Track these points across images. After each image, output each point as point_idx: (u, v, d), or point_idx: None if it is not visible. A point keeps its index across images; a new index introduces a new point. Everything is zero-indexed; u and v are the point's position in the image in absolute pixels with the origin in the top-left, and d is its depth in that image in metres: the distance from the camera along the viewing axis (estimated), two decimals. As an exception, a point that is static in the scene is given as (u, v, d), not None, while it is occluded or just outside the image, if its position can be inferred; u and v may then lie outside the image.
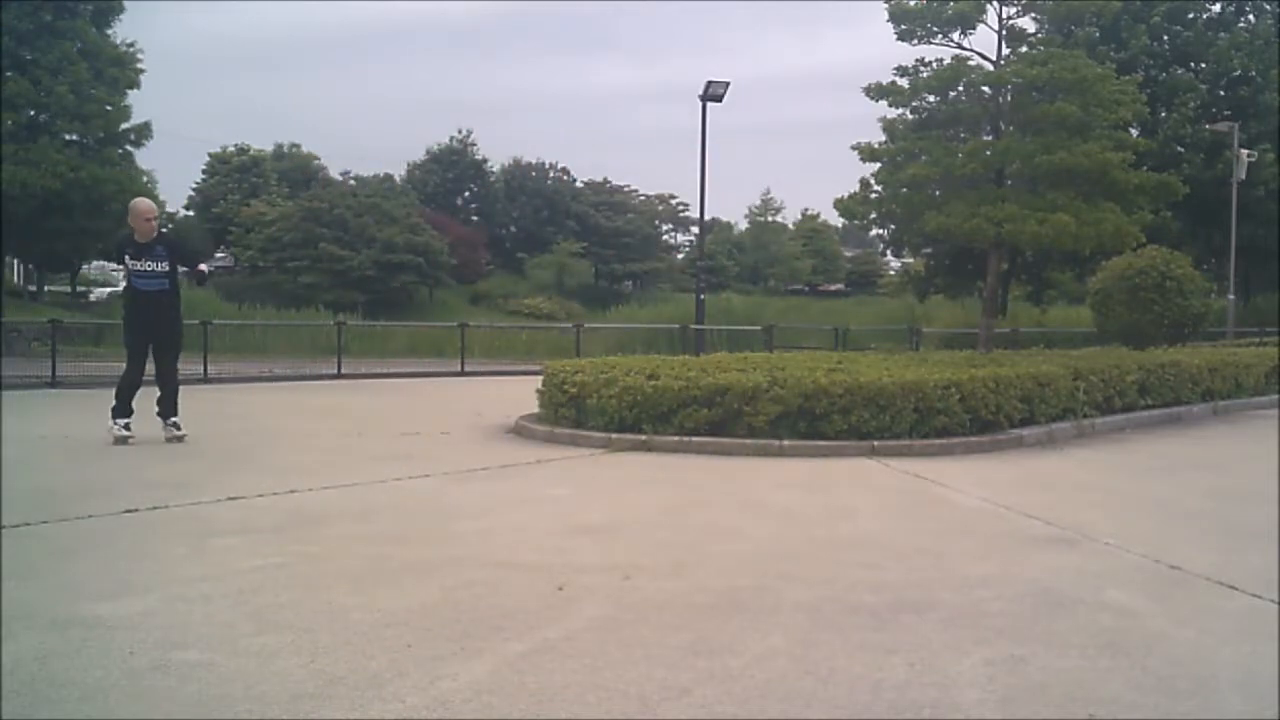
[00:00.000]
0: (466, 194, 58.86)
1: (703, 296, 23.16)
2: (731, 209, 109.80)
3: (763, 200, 66.21)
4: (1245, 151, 24.93)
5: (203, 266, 9.29)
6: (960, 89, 16.80)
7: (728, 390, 7.94)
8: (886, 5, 16.04)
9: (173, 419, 8.24)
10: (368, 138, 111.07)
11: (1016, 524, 5.41)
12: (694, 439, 7.86)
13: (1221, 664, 3.26)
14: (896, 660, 3.23)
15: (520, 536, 4.96)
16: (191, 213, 50.00)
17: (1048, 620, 3.67)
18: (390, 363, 17.98)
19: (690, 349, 18.84)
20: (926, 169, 15.48)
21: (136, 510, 5.35)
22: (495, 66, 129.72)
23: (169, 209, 45.70)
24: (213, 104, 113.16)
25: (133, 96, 31.17)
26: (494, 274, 51.64)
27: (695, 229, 48.91)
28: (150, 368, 8.44)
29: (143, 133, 31.68)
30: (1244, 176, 24.85)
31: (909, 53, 28.82)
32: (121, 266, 8.57)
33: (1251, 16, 31.49)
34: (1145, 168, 19.39)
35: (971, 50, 16.16)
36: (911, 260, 41.14)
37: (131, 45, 31.15)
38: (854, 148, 16.66)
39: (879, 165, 16.81)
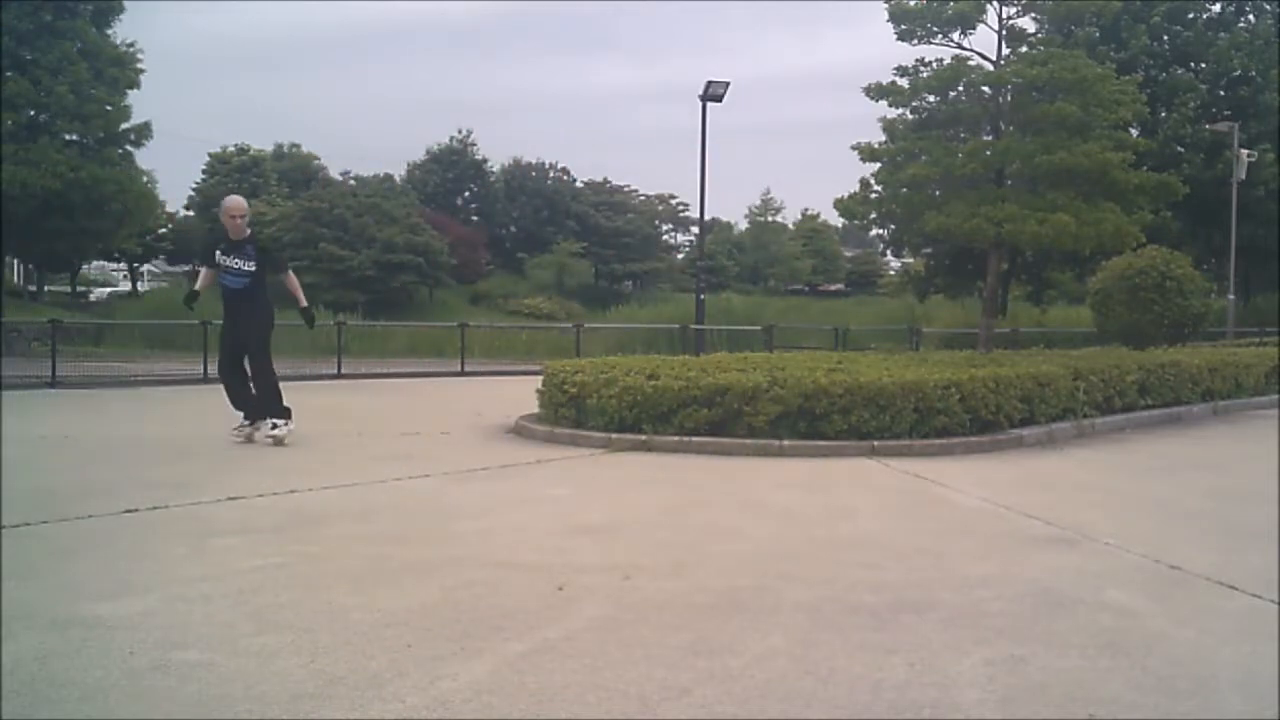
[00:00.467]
0: (466, 194, 58.88)
1: (703, 296, 23.15)
2: (731, 209, 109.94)
3: (763, 200, 66.28)
4: (1245, 151, 24.93)
5: (300, 299, 8.77)
6: (960, 89, 16.79)
7: (728, 390, 7.94)
8: (886, 5, 16.04)
9: (271, 420, 8.11)
10: (368, 138, 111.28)
11: (1016, 524, 5.41)
12: (694, 439, 7.86)
13: (1221, 664, 3.26)
14: (896, 660, 3.23)
15: (520, 536, 4.95)
16: (191, 213, 49.97)
17: (1048, 620, 3.67)
18: (390, 363, 17.97)
19: (690, 349, 18.83)
20: (926, 169, 15.47)
21: (136, 510, 5.35)
22: (495, 66, 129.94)
23: (169, 209, 45.69)
24: (213, 104, 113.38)
25: (133, 96, 31.21)
26: (494, 274, 51.65)
27: (695, 229, 48.93)
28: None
29: (143, 133, 31.69)
30: (1244, 176, 24.84)
31: (909, 53, 28.86)
32: (205, 268, 8.53)
33: (1251, 16, 31.49)
34: (1145, 168, 19.38)
35: (971, 50, 16.16)
36: (911, 260, 41.16)
37: (131, 45, 31.17)
38: (854, 148, 16.66)
39: (879, 165, 16.80)
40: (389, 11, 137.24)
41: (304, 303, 8.86)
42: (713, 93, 21.34)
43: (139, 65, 31.16)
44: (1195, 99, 28.70)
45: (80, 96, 28.78)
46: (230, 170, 49.57)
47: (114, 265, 53.23)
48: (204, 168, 50.81)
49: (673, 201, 64.35)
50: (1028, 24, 20.06)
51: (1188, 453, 8.44)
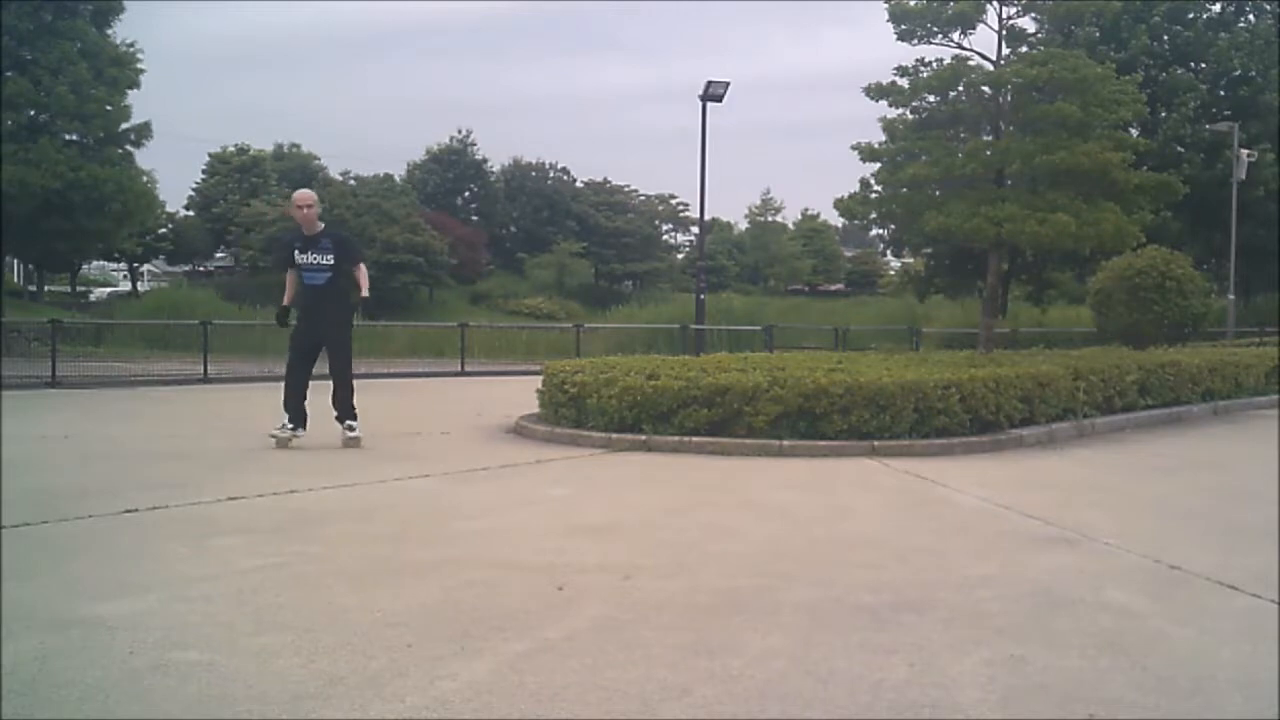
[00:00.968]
0: (466, 194, 58.92)
1: (703, 296, 23.13)
2: (731, 209, 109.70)
3: (763, 200, 66.28)
4: (1245, 151, 24.93)
5: (364, 288, 8.25)
6: (960, 89, 16.76)
7: (728, 390, 7.94)
8: (886, 5, 16.01)
9: (348, 421, 7.96)
10: (368, 138, 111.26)
11: (1016, 524, 5.40)
12: (694, 439, 7.86)
13: (1221, 664, 3.26)
14: (896, 660, 3.23)
15: (520, 536, 4.95)
16: (191, 213, 49.98)
17: (1048, 620, 3.67)
18: (390, 363, 17.96)
19: (690, 349, 18.83)
20: (926, 169, 15.45)
21: (136, 510, 5.35)
22: (496, 67, 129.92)
23: (169, 209, 45.70)
24: (213, 104, 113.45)
25: (133, 96, 31.26)
26: (494, 274, 51.71)
27: (695, 229, 48.92)
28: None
29: (143, 133, 31.72)
30: (1244, 176, 24.84)
31: (909, 53, 28.77)
32: (289, 272, 8.12)
33: (1251, 16, 31.50)
34: (1145, 168, 19.36)
35: (971, 50, 16.13)
36: (911, 260, 41.13)
37: (131, 45, 31.20)
38: (854, 148, 16.63)
39: (879, 165, 16.77)
40: (389, 12, 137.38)
41: (367, 294, 8.38)
42: (713, 93, 21.33)
43: (139, 65, 31.19)
44: (1195, 99, 28.70)
45: (80, 96, 28.80)
46: (230, 170, 49.61)
47: (114, 265, 53.30)
48: (204, 168, 50.89)
49: (673, 201, 64.38)
50: (1028, 24, 20.04)
51: (1188, 453, 8.44)
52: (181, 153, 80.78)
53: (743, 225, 68.20)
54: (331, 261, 8.00)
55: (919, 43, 16.21)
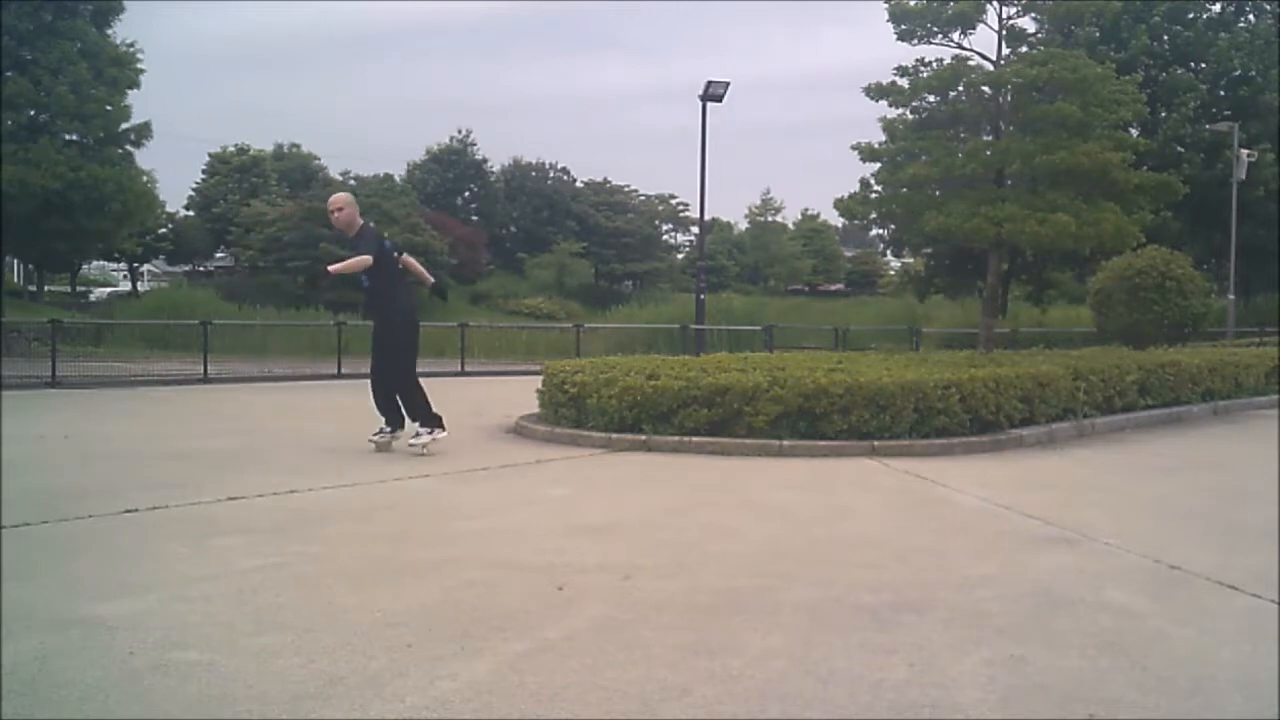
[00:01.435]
0: (466, 194, 58.89)
1: (703, 296, 23.12)
2: (731, 209, 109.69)
3: (763, 200, 66.23)
4: (1245, 151, 24.91)
5: (424, 278, 8.14)
6: (960, 89, 16.77)
7: (728, 390, 7.94)
8: (886, 5, 16.01)
9: (415, 429, 7.62)
10: (368, 138, 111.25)
11: (1016, 524, 5.41)
12: (694, 439, 7.86)
13: (1221, 664, 3.26)
14: (896, 660, 3.23)
15: (520, 536, 4.95)
16: (191, 213, 49.98)
17: (1048, 620, 3.67)
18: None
19: (690, 349, 18.82)
20: (926, 169, 15.44)
21: (136, 510, 5.35)
22: (495, 67, 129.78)
23: (169, 209, 45.70)
24: (213, 104, 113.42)
25: (133, 96, 31.23)
26: (494, 274, 51.66)
27: (695, 229, 48.91)
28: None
29: (143, 133, 31.70)
30: (1244, 176, 24.83)
31: (909, 53, 28.76)
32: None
33: (1251, 16, 31.49)
34: (1145, 168, 19.36)
35: (971, 50, 16.12)
36: (911, 260, 41.11)
37: (131, 45, 31.17)
38: (854, 148, 16.63)
39: (879, 165, 16.77)
40: (389, 12, 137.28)
41: (430, 279, 8.18)
42: (713, 93, 21.32)
43: (139, 65, 31.16)
44: (1195, 99, 28.69)
45: (80, 96, 28.78)
46: (230, 170, 49.58)
47: (114, 265, 53.29)
48: (204, 168, 50.84)
49: (673, 201, 64.33)
50: (1028, 24, 20.01)
51: (1188, 453, 8.44)
52: (181, 153, 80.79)
53: (743, 225, 68.23)
54: (370, 261, 7.45)
55: (919, 43, 16.21)
